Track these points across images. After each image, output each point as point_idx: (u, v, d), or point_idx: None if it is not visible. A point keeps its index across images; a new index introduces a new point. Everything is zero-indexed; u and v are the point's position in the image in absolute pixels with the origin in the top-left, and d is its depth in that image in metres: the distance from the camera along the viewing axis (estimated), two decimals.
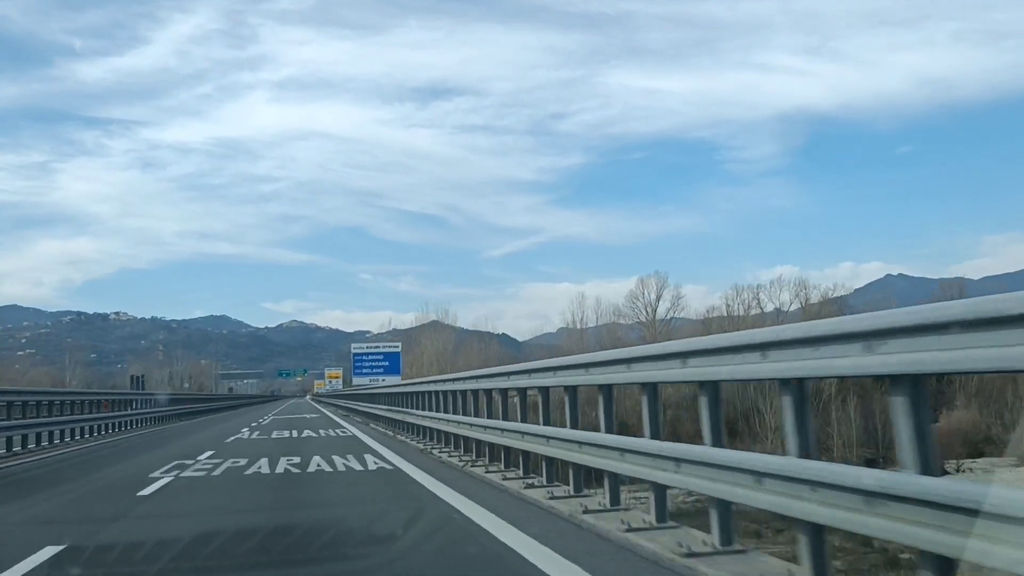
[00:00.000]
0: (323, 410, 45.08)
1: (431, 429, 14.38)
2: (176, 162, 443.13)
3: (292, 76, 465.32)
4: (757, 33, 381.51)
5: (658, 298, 59.12)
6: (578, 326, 62.17)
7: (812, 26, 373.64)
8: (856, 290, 44.84)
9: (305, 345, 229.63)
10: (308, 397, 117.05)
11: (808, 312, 46.78)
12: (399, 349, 59.08)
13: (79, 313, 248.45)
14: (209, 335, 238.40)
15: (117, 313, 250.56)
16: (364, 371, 56.49)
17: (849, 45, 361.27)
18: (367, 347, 61.83)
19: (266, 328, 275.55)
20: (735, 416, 35.84)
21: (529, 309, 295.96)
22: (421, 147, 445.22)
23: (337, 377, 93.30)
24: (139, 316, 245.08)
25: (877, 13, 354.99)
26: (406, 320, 59.72)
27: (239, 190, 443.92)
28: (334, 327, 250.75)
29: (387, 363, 56.10)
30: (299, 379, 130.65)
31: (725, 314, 54.05)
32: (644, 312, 59.39)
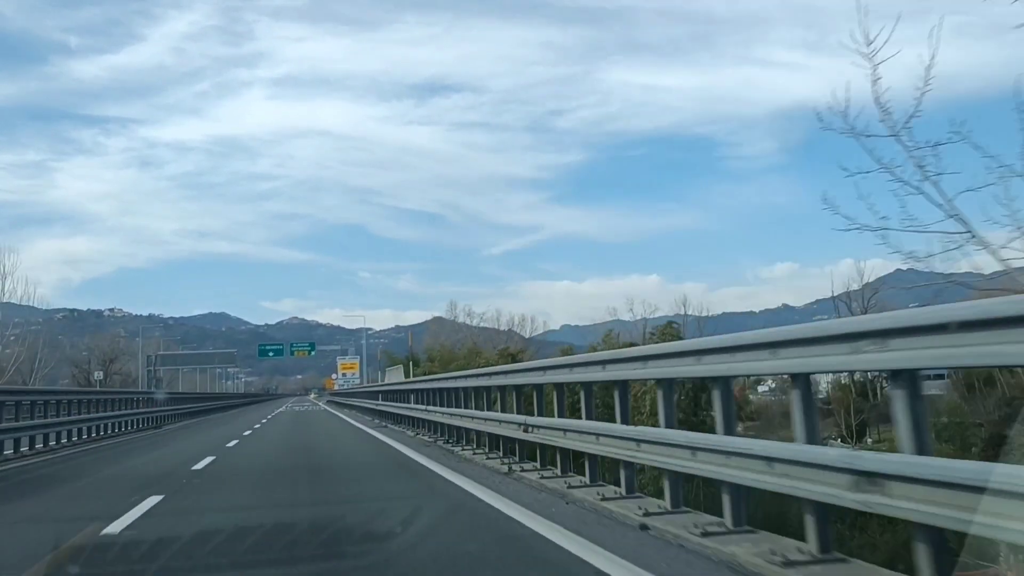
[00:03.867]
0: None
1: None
2: (174, 160, 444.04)
3: (289, 73, 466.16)
4: (755, 28, 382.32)
5: None
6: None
7: (811, 20, 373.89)
8: (864, 285, 45.21)
9: (307, 342, 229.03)
10: (313, 396, 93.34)
11: None
12: None
13: (72, 310, 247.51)
14: (207, 332, 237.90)
15: (112, 310, 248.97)
16: None
17: (849, 39, 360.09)
18: None
19: (266, 325, 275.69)
20: None
21: (529, 307, 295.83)
22: (419, 144, 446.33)
23: None
24: (135, 313, 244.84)
25: (877, 7, 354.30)
26: (409, 317, 60.19)
27: (237, 188, 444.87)
28: (335, 324, 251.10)
29: None
30: (299, 376, 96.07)
31: None
32: None
